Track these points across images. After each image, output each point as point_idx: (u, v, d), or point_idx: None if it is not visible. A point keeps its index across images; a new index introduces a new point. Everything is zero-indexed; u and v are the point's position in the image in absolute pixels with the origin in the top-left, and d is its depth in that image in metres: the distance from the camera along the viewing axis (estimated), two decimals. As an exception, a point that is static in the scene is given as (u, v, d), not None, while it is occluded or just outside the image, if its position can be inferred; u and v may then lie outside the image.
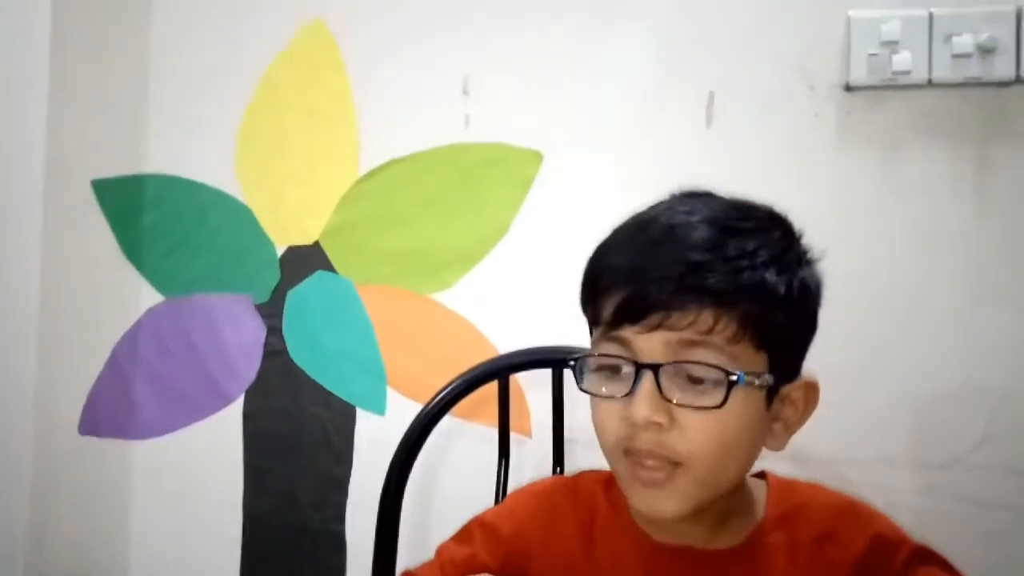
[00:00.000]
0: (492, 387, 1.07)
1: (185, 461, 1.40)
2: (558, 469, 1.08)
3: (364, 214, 1.36)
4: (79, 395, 1.45)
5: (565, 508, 0.75)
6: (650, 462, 0.63)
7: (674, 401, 0.62)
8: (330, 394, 1.36)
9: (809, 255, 0.69)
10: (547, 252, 1.27)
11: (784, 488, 0.72)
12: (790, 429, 0.68)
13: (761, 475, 0.73)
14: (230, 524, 1.38)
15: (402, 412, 1.24)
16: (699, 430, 0.62)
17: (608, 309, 0.65)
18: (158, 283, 1.44)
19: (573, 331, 0.97)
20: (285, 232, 1.39)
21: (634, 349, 0.64)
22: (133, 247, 1.44)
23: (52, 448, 1.42)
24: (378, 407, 1.34)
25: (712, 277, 0.63)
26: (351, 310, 1.35)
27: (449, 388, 1.04)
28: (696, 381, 0.62)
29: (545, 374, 1.07)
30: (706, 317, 0.62)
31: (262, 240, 1.39)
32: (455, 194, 1.31)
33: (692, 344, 0.62)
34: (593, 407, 0.68)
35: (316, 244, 1.38)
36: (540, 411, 1.23)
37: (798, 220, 0.71)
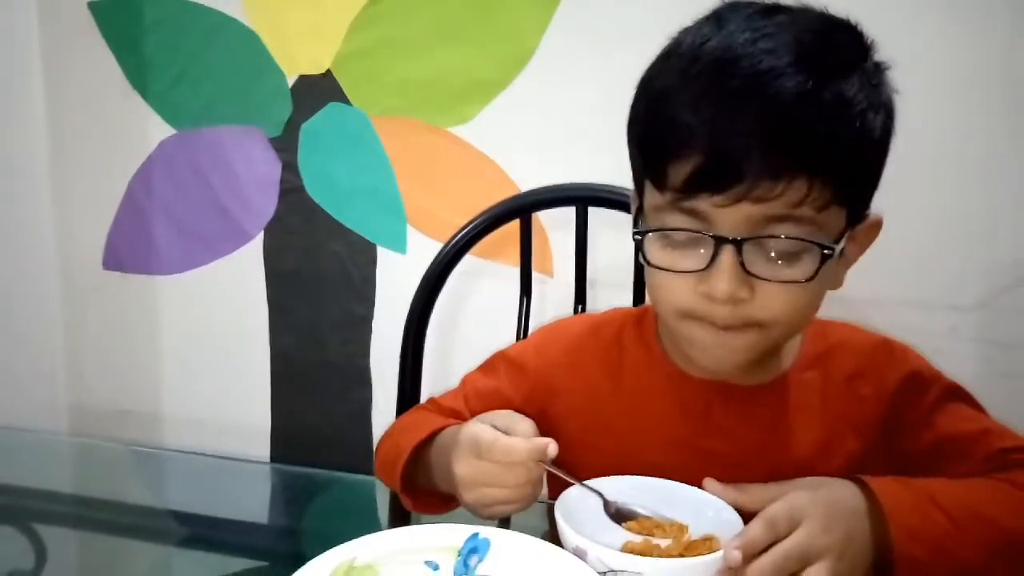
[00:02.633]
0: (514, 226, 1.05)
1: (210, 297, 1.43)
2: (580, 309, 1.08)
3: (376, 41, 1.27)
4: (100, 231, 1.45)
5: (591, 345, 0.75)
6: (724, 329, 0.60)
7: (759, 275, 0.57)
8: (350, 232, 1.35)
9: (888, 74, 0.60)
10: (574, 81, 1.19)
11: (820, 328, 0.70)
12: (848, 265, 0.64)
13: None
14: (258, 359, 1.43)
15: (423, 250, 1.23)
16: (782, 300, 0.58)
17: (679, 175, 0.56)
18: (166, 114, 1.39)
19: (600, 167, 0.93)
20: (294, 60, 1.32)
21: (710, 221, 0.57)
22: (137, 75, 1.38)
23: (78, 282, 1.45)
24: (399, 245, 1.33)
25: (808, 138, 0.54)
26: (367, 145, 1.31)
27: (470, 226, 1.02)
28: (781, 253, 0.57)
29: (568, 212, 1.04)
30: (799, 186, 0.55)
31: (271, 68, 1.33)
32: (473, 16, 1.22)
33: (778, 219, 0.55)
34: (652, 273, 0.62)
35: (328, 73, 1.31)
36: (563, 251, 1.21)
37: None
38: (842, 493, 0.57)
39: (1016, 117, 1.07)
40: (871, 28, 0.61)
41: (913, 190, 1.09)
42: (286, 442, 1.44)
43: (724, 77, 0.55)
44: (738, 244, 0.56)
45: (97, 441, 1.31)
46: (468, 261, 1.06)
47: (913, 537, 0.55)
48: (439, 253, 1.03)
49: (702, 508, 0.61)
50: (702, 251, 0.58)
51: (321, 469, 0.96)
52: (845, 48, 0.58)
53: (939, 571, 0.55)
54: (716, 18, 0.59)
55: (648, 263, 0.61)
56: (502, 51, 1.22)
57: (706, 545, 0.58)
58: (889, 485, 0.57)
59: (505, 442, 0.60)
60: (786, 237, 0.56)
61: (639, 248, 0.61)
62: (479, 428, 0.62)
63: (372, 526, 0.59)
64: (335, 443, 1.39)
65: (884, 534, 0.55)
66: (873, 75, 0.58)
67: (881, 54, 0.60)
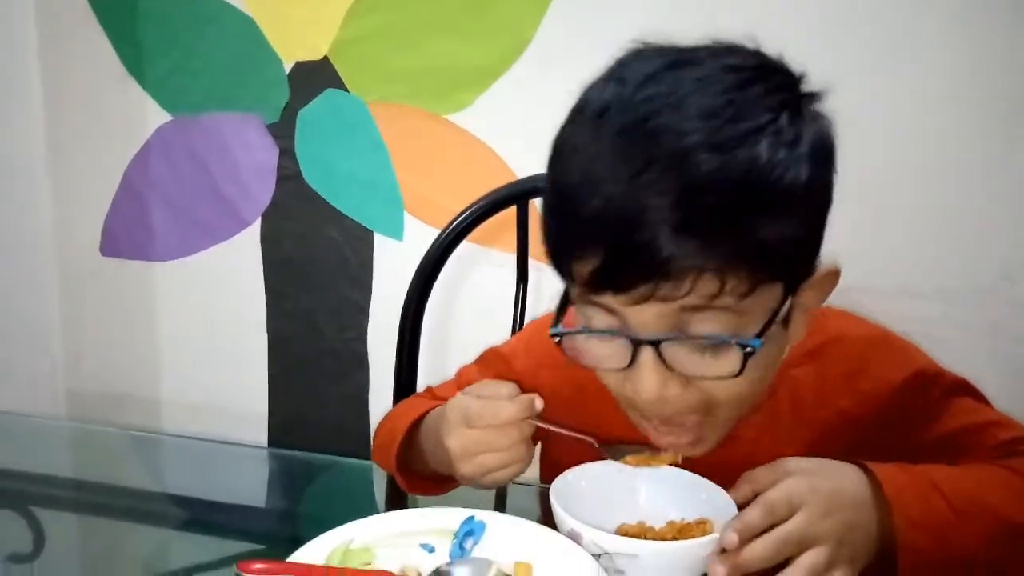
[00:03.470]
0: (511, 212, 1.05)
1: (207, 284, 1.43)
2: (576, 295, 1.08)
3: (374, 27, 1.27)
4: (97, 217, 1.45)
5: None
6: (674, 430, 0.59)
7: (683, 372, 0.54)
8: (347, 219, 1.35)
9: (817, 107, 0.55)
10: (571, 67, 1.17)
11: (816, 319, 0.66)
12: (809, 313, 0.60)
13: None
14: (255, 345, 1.43)
15: (420, 237, 1.23)
16: (716, 390, 0.56)
17: (583, 272, 0.53)
18: (164, 101, 1.39)
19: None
20: (292, 47, 1.31)
21: (623, 318, 0.54)
22: (135, 62, 1.38)
23: (76, 268, 1.45)
24: (396, 232, 1.33)
25: (709, 232, 0.49)
26: (364, 131, 1.31)
27: (467, 213, 1.02)
28: (704, 348, 0.54)
29: (565, 200, 1.04)
30: (708, 281, 0.50)
31: (268, 55, 1.32)
32: (471, 3, 1.21)
33: (694, 310, 0.52)
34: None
35: (325, 59, 1.30)
36: (559, 237, 1.22)
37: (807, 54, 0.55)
38: (845, 480, 0.55)
39: (1012, 109, 1.07)
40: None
41: (906, 180, 1.10)
42: (284, 428, 1.44)
43: (622, 164, 0.51)
44: (655, 343, 0.53)
45: (95, 426, 1.31)
46: (465, 248, 1.06)
47: (917, 527, 0.54)
48: (436, 239, 1.03)
49: (695, 491, 0.61)
50: (623, 347, 0.54)
51: (319, 454, 0.96)
52: (756, 106, 0.52)
53: (940, 559, 0.54)
54: (618, 79, 0.55)
55: (573, 359, 0.58)
56: (500, 38, 1.21)
57: (700, 528, 0.59)
58: (893, 473, 0.56)
59: (493, 405, 0.61)
60: (703, 336, 0.52)
61: (563, 352, 0.58)
62: (465, 399, 0.62)
63: (369, 510, 0.60)
64: (333, 429, 1.40)
65: (887, 522, 0.54)
66: (788, 129, 0.52)
67: (810, 84, 0.55)
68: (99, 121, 1.41)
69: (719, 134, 0.50)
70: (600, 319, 0.55)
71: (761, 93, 0.52)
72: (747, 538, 0.52)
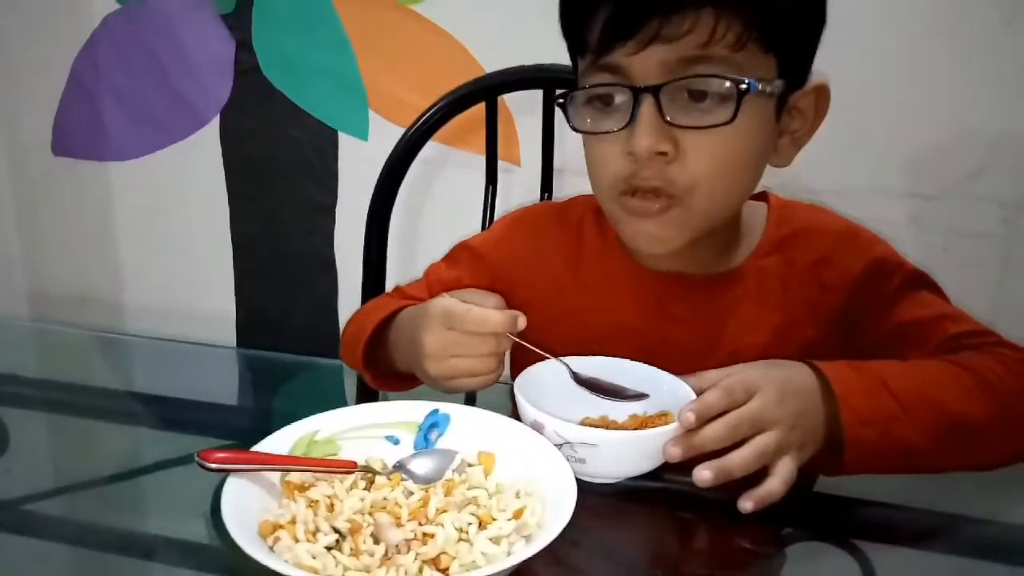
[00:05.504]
0: (479, 110, 1.01)
1: (167, 184, 1.38)
2: (547, 198, 1.07)
3: (333, -93, 1.19)
4: (46, 115, 1.38)
5: (552, 234, 0.74)
6: (649, 200, 0.60)
7: (679, 124, 0.57)
8: (310, 117, 1.30)
9: None
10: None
11: (786, 211, 0.70)
12: (798, 142, 0.64)
13: (762, 196, 0.71)
14: (220, 247, 1.40)
15: (385, 136, 1.19)
16: (705, 154, 0.58)
17: (594, 31, 0.59)
18: (108, -14, 1.30)
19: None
20: (243, -74, 1.23)
21: (628, 74, 0.58)
22: (74, -56, 1.28)
23: (28, 169, 1.40)
24: (360, 131, 1.29)
25: None
26: (325, 22, 1.24)
27: (433, 110, 0.98)
28: (700, 98, 0.57)
29: (535, 97, 1.01)
30: (706, 21, 0.56)
31: (217, -64, 1.24)
32: None
33: (692, 60, 0.56)
34: (587, 145, 0.63)
35: (280, -58, 1.22)
36: (530, 139, 1.19)
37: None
38: (796, 373, 0.57)
39: (986, 14, 1.04)
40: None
41: (876, 79, 1.08)
42: (252, 331, 1.44)
43: None
44: (655, 92, 0.57)
45: (62, 327, 1.29)
46: (432, 149, 1.03)
47: (864, 423, 0.55)
48: (402, 137, 1.00)
49: (658, 385, 0.62)
50: (623, 109, 0.59)
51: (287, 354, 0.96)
52: None
53: (887, 451, 0.56)
54: None
55: (574, 129, 0.62)
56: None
57: (661, 421, 0.60)
58: (841, 370, 0.57)
59: (478, 312, 0.61)
60: (701, 75, 0.56)
61: (566, 115, 0.62)
62: (450, 301, 0.63)
63: (338, 407, 0.60)
64: (301, 331, 1.39)
65: (835, 415, 0.56)
66: None
67: None
68: (40, 8, 1.32)
69: None
70: (605, 79, 0.59)
71: None
72: (705, 418, 0.54)
